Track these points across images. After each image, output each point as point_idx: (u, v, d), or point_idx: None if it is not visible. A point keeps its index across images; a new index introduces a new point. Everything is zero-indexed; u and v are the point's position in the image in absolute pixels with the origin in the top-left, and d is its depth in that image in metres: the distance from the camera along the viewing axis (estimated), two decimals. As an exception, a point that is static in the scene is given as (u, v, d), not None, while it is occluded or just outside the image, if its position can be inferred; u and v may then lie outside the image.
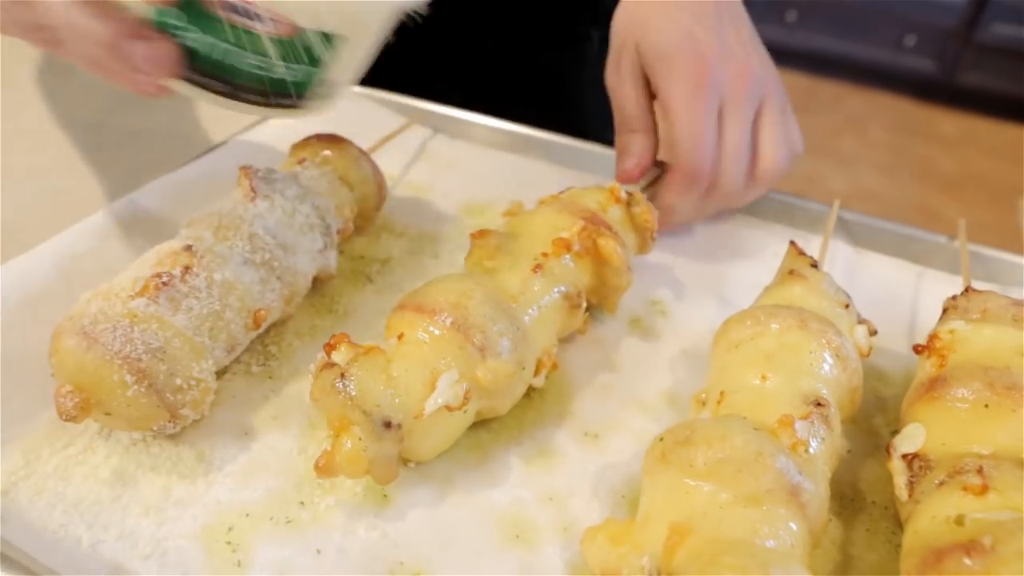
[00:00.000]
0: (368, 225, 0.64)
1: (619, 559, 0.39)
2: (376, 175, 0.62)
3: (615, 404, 0.52)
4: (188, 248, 0.49)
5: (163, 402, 0.44)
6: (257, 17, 0.41)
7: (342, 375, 0.42)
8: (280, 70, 0.44)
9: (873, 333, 0.53)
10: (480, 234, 0.51)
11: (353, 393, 0.42)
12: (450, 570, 0.42)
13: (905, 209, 2.52)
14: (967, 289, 0.52)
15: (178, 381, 0.44)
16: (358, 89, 0.79)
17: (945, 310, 0.52)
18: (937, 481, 0.42)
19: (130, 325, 0.44)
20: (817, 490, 0.40)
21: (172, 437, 0.47)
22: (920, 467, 0.43)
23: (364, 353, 0.44)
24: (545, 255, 0.50)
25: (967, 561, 0.36)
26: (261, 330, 0.52)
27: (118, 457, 0.46)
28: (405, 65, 0.89)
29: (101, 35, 0.41)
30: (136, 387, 0.43)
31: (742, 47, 0.62)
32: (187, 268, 0.48)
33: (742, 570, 0.34)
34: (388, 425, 0.42)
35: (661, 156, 0.65)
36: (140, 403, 0.43)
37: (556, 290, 0.50)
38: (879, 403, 0.54)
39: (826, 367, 0.46)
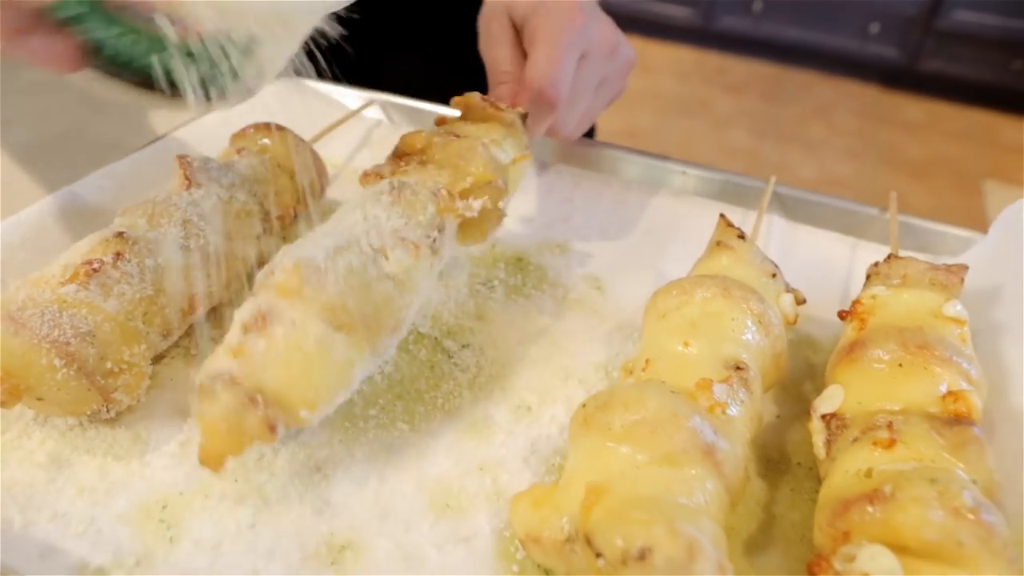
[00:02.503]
0: (312, 211, 0.65)
1: (541, 522, 0.40)
2: (316, 162, 0.63)
3: (549, 377, 0.53)
4: (120, 235, 0.49)
5: (94, 385, 0.44)
6: (163, 20, 0.40)
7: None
8: (193, 72, 0.42)
9: (801, 302, 0.54)
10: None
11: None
12: (381, 541, 0.43)
13: (873, 194, 2.55)
14: (890, 256, 0.54)
15: (109, 365, 0.45)
16: (308, 82, 0.80)
17: (868, 277, 0.54)
18: (852, 438, 0.43)
19: (59, 310, 0.44)
20: (733, 450, 0.41)
21: (108, 421, 0.48)
22: (837, 426, 0.45)
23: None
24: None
25: (870, 509, 0.37)
26: (199, 314, 0.52)
27: (54, 442, 0.46)
28: (389, 65, 0.89)
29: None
30: (65, 371, 0.43)
31: (605, 17, 0.66)
32: (119, 255, 0.48)
33: (648, 524, 0.35)
34: (215, 378, 0.40)
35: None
36: (70, 387, 0.44)
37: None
38: (809, 370, 0.56)
39: (748, 333, 0.47)
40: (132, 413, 0.48)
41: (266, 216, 0.57)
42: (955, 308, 0.49)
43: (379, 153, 0.75)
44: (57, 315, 0.44)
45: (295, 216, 0.63)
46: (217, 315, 0.56)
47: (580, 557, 0.38)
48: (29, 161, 0.71)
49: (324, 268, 0.43)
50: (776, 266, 0.53)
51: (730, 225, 0.55)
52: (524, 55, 0.63)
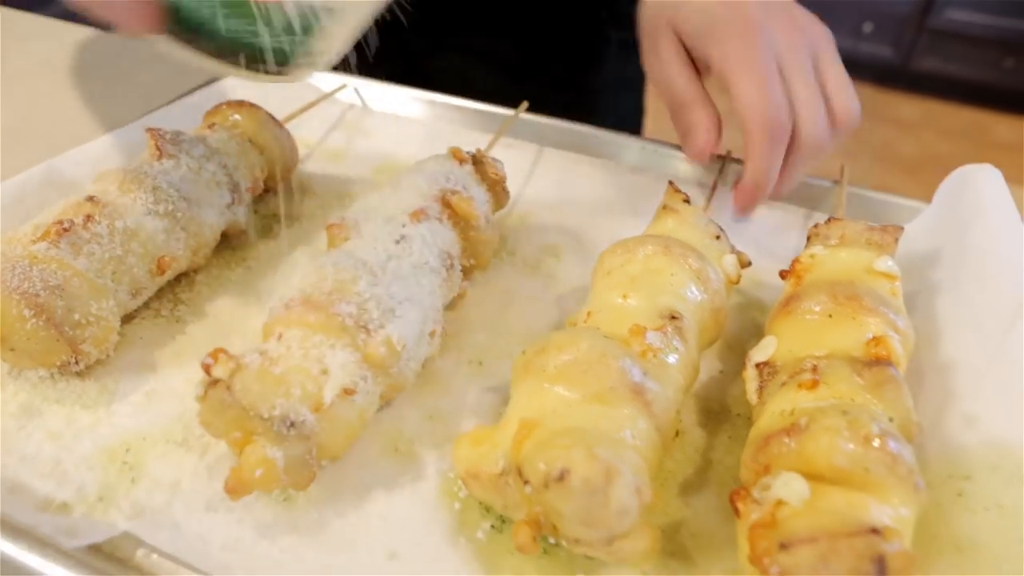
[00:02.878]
0: (282, 186, 0.67)
1: (479, 459, 0.42)
2: (285, 138, 0.65)
3: (504, 336, 0.55)
4: (91, 199, 0.52)
5: (62, 336, 0.47)
6: None
7: (228, 388, 0.40)
8: (264, 38, 0.42)
9: (746, 264, 0.56)
10: (332, 225, 0.52)
11: (244, 402, 0.40)
12: (329, 478, 0.45)
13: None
14: (830, 218, 0.56)
15: (77, 316, 0.47)
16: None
17: (809, 238, 0.56)
18: (780, 383, 0.45)
19: (29, 265, 0.47)
20: (664, 392, 0.43)
21: (78, 373, 0.50)
22: (769, 373, 0.47)
23: (244, 360, 0.42)
24: (404, 226, 0.51)
25: (787, 441, 0.39)
26: (168, 277, 0.55)
27: (26, 393, 0.49)
28: (421, 67, 0.92)
29: None
30: (34, 321, 0.46)
31: (781, 2, 0.62)
32: (89, 217, 0.51)
33: (568, 448, 0.37)
34: (291, 424, 0.40)
35: (732, 128, 0.64)
36: (40, 337, 0.46)
37: (426, 257, 0.51)
38: (756, 330, 0.58)
39: (686, 288, 0.49)
40: (102, 366, 0.51)
41: (235, 187, 0.60)
42: (886, 264, 0.51)
43: (352, 133, 0.77)
44: (28, 269, 0.46)
45: (265, 189, 0.66)
46: (189, 280, 0.59)
47: (513, 490, 0.40)
48: (17, 142, 0.74)
49: (408, 349, 0.46)
50: (721, 229, 0.56)
51: (677, 191, 0.57)
52: (698, 71, 0.63)
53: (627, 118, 1.10)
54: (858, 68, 3.14)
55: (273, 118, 0.65)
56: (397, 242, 0.50)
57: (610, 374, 0.42)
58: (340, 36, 0.44)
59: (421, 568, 0.41)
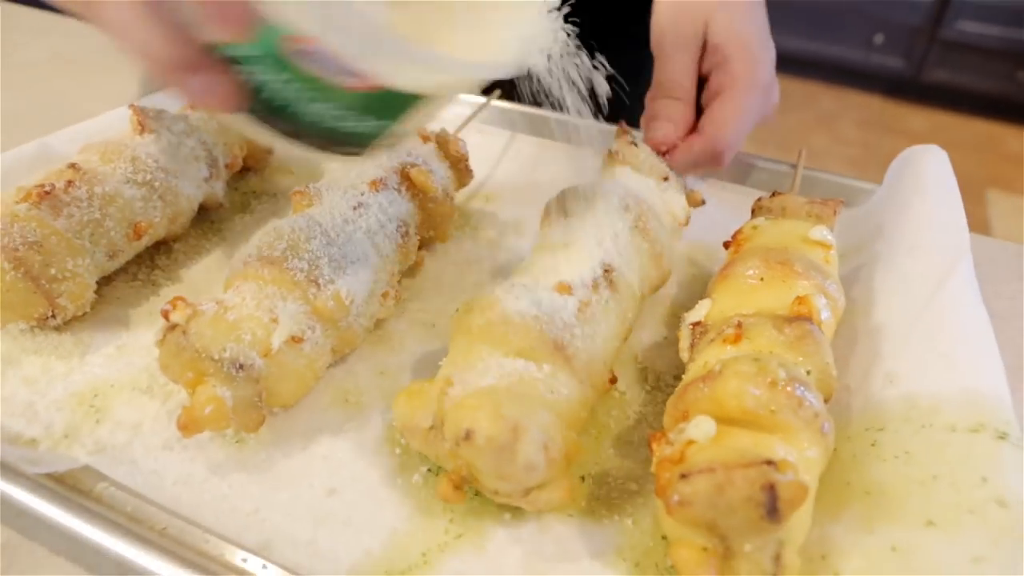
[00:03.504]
0: (262, 165, 0.71)
1: (413, 413, 0.44)
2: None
3: (459, 301, 0.57)
4: (72, 166, 0.55)
5: (39, 289, 0.50)
6: (342, 71, 0.38)
7: (184, 332, 0.43)
8: (350, 124, 0.41)
9: (699, 203, 0.59)
10: (298, 191, 0.55)
11: (197, 344, 0.43)
12: (280, 423, 0.48)
13: (874, 202, 2.57)
14: (774, 193, 0.58)
15: (53, 271, 0.51)
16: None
17: (753, 211, 0.58)
18: (709, 340, 0.47)
19: (10, 223, 0.50)
20: (589, 345, 0.46)
21: (57, 328, 0.54)
22: (700, 332, 0.49)
23: (201, 308, 0.45)
24: (363, 195, 0.54)
25: (702, 386, 0.42)
26: (145, 242, 0.58)
27: (5, 345, 0.52)
28: None
29: (161, 57, 0.38)
30: (13, 273, 0.49)
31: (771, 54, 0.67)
32: (70, 182, 0.54)
33: (475, 408, 0.39)
34: (240, 367, 0.43)
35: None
36: (18, 289, 0.50)
37: (381, 222, 0.53)
38: (705, 300, 0.60)
39: (622, 237, 0.52)
40: (79, 322, 0.54)
41: (213, 162, 0.63)
42: (821, 233, 0.53)
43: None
44: (8, 226, 0.50)
45: (246, 168, 0.69)
46: (167, 248, 0.62)
47: (440, 442, 0.43)
48: (17, 126, 0.78)
49: (357, 305, 0.49)
50: (670, 170, 0.58)
51: (625, 131, 0.59)
52: (700, 75, 0.64)
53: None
54: (869, 80, 3.17)
55: (253, 100, 0.69)
56: (354, 208, 0.53)
57: (529, 332, 0.44)
58: (424, 118, 0.43)
59: (356, 504, 0.43)
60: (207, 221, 0.65)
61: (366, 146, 0.43)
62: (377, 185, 0.55)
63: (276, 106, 0.40)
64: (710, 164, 0.62)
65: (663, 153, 0.61)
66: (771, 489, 0.35)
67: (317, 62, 0.37)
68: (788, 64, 3.19)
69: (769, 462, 0.36)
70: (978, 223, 2.54)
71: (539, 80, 0.44)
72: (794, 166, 0.72)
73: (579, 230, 0.51)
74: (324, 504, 0.44)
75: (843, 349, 0.53)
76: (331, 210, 0.53)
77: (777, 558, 0.37)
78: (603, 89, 0.48)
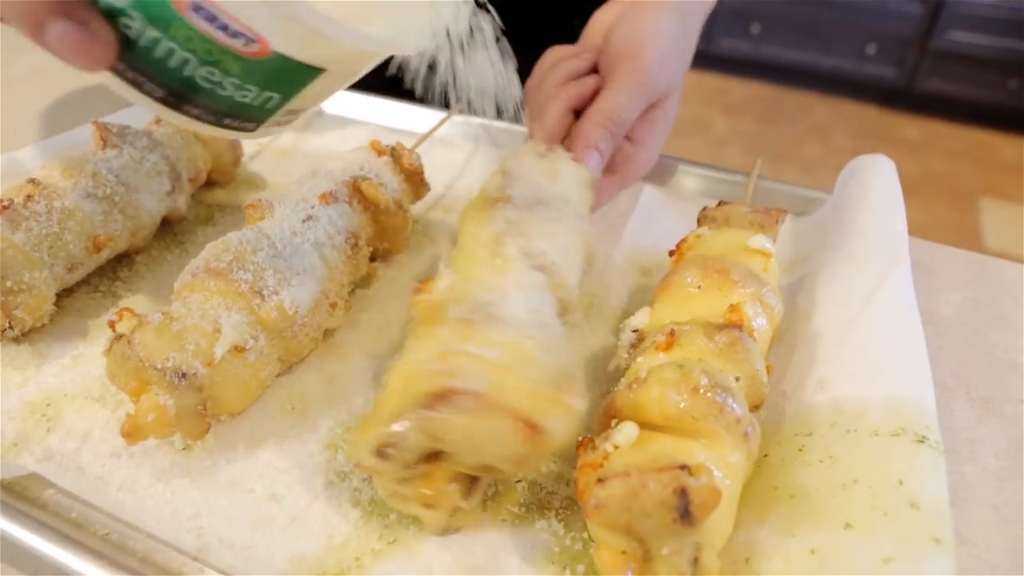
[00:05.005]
0: (227, 179, 0.72)
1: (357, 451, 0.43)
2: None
3: (406, 306, 0.59)
4: (32, 181, 0.57)
5: (-5, 301, 0.52)
6: (234, 33, 0.35)
7: (129, 342, 0.45)
8: (241, 95, 0.38)
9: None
10: (251, 204, 0.56)
11: (141, 354, 0.44)
12: (227, 431, 0.49)
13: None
14: (720, 202, 0.59)
15: (10, 284, 0.52)
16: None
17: (699, 220, 0.59)
18: (645, 347, 0.49)
19: (-32, 237, 0.52)
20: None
21: (15, 339, 0.55)
22: (638, 339, 0.50)
23: (147, 319, 0.46)
24: (313, 208, 0.55)
25: (627, 393, 0.43)
26: (105, 255, 0.60)
27: (-36, 355, 0.54)
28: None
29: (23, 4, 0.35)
30: (-32, 285, 0.51)
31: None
32: (29, 197, 0.56)
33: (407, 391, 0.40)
34: (183, 375, 0.44)
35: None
36: (-26, 300, 0.51)
37: (330, 235, 0.54)
38: (653, 309, 0.61)
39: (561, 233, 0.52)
40: (37, 333, 0.56)
41: (177, 176, 0.65)
42: (760, 241, 0.54)
43: (301, 134, 0.82)
44: (-35, 241, 0.51)
45: (211, 182, 0.71)
46: (129, 261, 0.64)
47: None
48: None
49: (301, 315, 0.50)
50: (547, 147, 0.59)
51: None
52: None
53: None
54: (862, 89, 3.18)
55: (218, 115, 0.70)
56: (303, 221, 0.54)
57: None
58: (324, 93, 0.40)
59: (296, 509, 0.45)
60: (170, 234, 0.66)
61: (260, 122, 0.40)
62: (327, 198, 0.56)
63: (159, 69, 0.36)
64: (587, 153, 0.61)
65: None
66: (683, 493, 0.36)
67: (207, 19, 0.34)
68: (781, 75, 3.24)
69: (683, 467, 0.37)
70: (971, 231, 2.55)
71: (444, 71, 0.44)
72: (748, 175, 0.73)
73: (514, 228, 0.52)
74: (264, 509, 0.45)
75: (783, 356, 0.54)
76: (281, 223, 0.54)
77: (695, 561, 0.38)
78: (514, 89, 0.49)
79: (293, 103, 0.40)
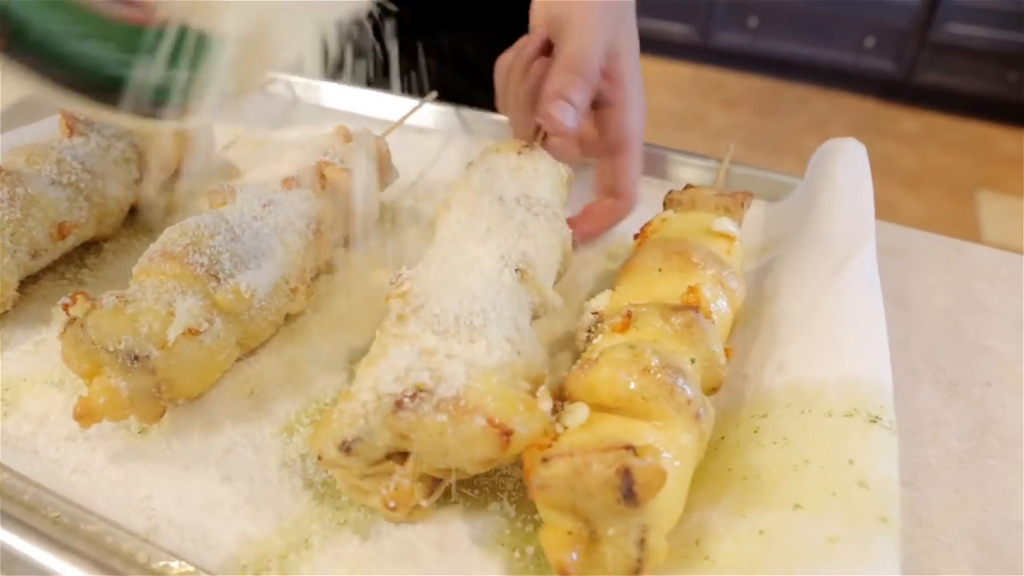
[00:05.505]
0: (200, 169, 0.72)
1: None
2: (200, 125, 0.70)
3: (374, 297, 0.58)
4: (-4, 167, 0.57)
5: (-44, 286, 0.52)
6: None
7: (82, 325, 0.45)
8: (130, 72, 0.34)
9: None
10: (212, 191, 0.56)
11: (94, 337, 0.44)
12: (184, 414, 0.49)
13: (865, 204, 2.57)
14: (687, 186, 0.59)
15: (-30, 269, 0.52)
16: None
17: (665, 204, 0.59)
18: (603, 328, 0.48)
19: (-72, 223, 0.52)
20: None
21: (-23, 325, 0.55)
22: (597, 321, 0.50)
23: (100, 302, 0.46)
24: (275, 193, 0.55)
25: (580, 374, 0.42)
26: (71, 242, 0.60)
27: (-73, 342, 0.54)
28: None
29: None
30: (-72, 271, 0.51)
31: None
32: (-8, 183, 0.56)
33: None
34: (135, 358, 0.44)
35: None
36: (-65, 286, 0.51)
37: (291, 219, 0.54)
38: (621, 295, 0.60)
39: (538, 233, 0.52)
40: (0, 319, 0.56)
41: (146, 165, 0.65)
42: (723, 224, 0.53)
43: (278, 124, 0.82)
44: (-74, 227, 0.51)
45: (179, 170, 0.71)
46: (97, 248, 0.64)
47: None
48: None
49: (259, 298, 0.50)
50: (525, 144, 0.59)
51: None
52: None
53: None
54: (860, 82, 3.17)
55: (188, 103, 0.70)
56: (264, 206, 0.54)
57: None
58: (242, 73, 0.37)
59: (249, 491, 0.44)
60: (140, 222, 0.66)
61: (160, 105, 0.36)
62: (290, 183, 0.56)
63: (36, 42, 0.32)
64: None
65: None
66: (627, 473, 0.36)
67: None
68: (780, 68, 3.23)
69: (628, 447, 0.37)
70: (970, 224, 2.54)
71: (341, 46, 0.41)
72: (720, 161, 0.73)
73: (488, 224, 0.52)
74: (217, 491, 0.44)
75: (748, 339, 0.53)
76: (241, 208, 0.54)
77: (642, 542, 0.38)
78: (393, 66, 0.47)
79: (194, 83, 0.36)
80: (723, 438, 0.46)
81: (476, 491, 0.45)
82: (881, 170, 2.65)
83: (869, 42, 3.03)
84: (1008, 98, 2.92)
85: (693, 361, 0.45)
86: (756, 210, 0.70)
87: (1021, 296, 0.62)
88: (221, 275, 0.49)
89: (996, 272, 0.65)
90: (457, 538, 0.43)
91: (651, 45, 3.35)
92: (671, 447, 0.40)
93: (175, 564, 0.41)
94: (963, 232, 2.45)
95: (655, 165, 0.76)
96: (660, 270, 0.50)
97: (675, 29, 3.26)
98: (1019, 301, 0.62)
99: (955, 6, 2.85)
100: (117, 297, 0.47)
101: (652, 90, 2.96)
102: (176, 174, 0.70)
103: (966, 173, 2.69)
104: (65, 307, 0.46)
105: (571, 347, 0.55)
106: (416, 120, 0.76)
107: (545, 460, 0.38)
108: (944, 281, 0.64)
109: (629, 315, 0.46)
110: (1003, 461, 0.49)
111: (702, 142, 2.91)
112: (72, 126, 0.62)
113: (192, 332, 0.47)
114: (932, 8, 2.88)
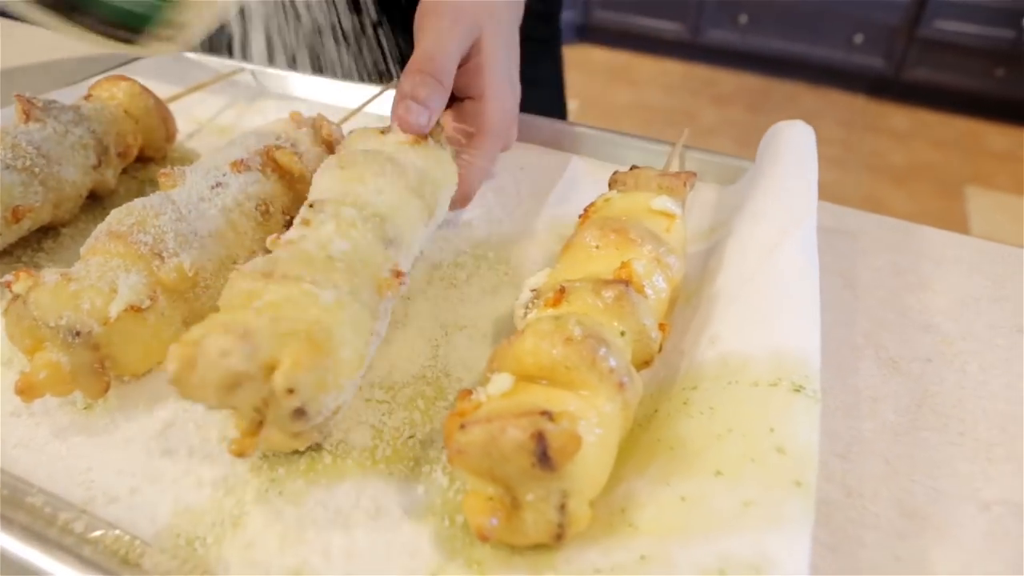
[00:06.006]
0: (160, 155, 0.73)
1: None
2: (159, 111, 0.71)
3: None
4: (-52, 152, 0.58)
5: (-95, 267, 0.52)
6: None
7: (24, 302, 0.45)
8: None
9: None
10: (164, 172, 0.57)
11: (35, 313, 0.45)
12: (131, 390, 0.50)
13: (854, 199, 2.57)
14: (632, 167, 0.60)
15: (-80, 251, 0.53)
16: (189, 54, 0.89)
17: (610, 184, 0.59)
18: (538, 304, 0.49)
19: None
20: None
21: (-70, 307, 0.56)
22: (533, 299, 0.50)
23: (43, 279, 0.46)
24: (224, 175, 0.56)
25: (507, 345, 0.43)
26: (26, 226, 0.60)
27: None
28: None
29: None
30: None
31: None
32: (-55, 167, 0.56)
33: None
34: (76, 334, 0.45)
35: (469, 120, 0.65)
36: None
37: (239, 201, 0.55)
38: (570, 276, 0.61)
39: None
40: (-48, 302, 0.56)
41: (104, 151, 0.66)
42: (662, 202, 0.54)
43: (243, 112, 0.83)
44: None
45: (146, 157, 0.72)
46: (55, 233, 0.64)
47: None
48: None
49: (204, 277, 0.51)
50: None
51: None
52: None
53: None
54: (850, 79, 3.18)
55: (148, 91, 0.71)
56: (212, 188, 0.55)
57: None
58: (203, 7, 0.41)
59: (188, 462, 0.45)
60: (99, 208, 0.67)
61: (138, 31, 0.40)
62: (239, 166, 0.57)
63: None
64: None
65: None
66: (541, 437, 0.36)
67: None
68: (770, 65, 3.24)
69: (544, 412, 0.37)
70: (958, 219, 2.54)
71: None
72: (673, 144, 0.74)
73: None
74: (157, 463, 0.45)
75: (688, 315, 0.54)
76: (190, 190, 0.55)
77: (562, 508, 0.39)
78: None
79: (174, 11, 0.39)
80: (656, 411, 0.47)
81: (412, 463, 0.46)
82: (871, 166, 2.67)
83: (858, 39, 3.04)
84: (996, 94, 2.93)
85: (623, 334, 0.45)
86: (710, 193, 0.71)
87: (966, 275, 0.63)
88: (165, 253, 0.50)
89: (943, 253, 0.66)
90: (390, 508, 0.43)
91: (642, 43, 3.36)
92: (592, 415, 0.40)
93: (111, 533, 0.41)
94: (951, 227, 2.46)
95: (614, 151, 0.77)
96: (598, 247, 0.51)
97: (666, 27, 3.27)
98: (964, 280, 0.62)
99: (943, 3, 2.86)
100: (60, 274, 0.48)
101: (644, 88, 2.98)
102: (139, 161, 0.71)
103: (954, 168, 2.70)
104: (8, 284, 0.47)
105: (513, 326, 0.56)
106: (379, 108, 0.77)
107: (463, 427, 0.38)
108: (892, 261, 0.65)
109: (562, 290, 0.47)
110: (936, 433, 0.49)
111: (693, 139, 2.91)
112: (28, 112, 0.63)
113: (135, 309, 0.48)
114: (921, 5, 2.89)
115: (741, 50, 3.23)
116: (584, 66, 3.26)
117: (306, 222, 0.49)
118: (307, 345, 0.40)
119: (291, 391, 0.39)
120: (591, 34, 3.37)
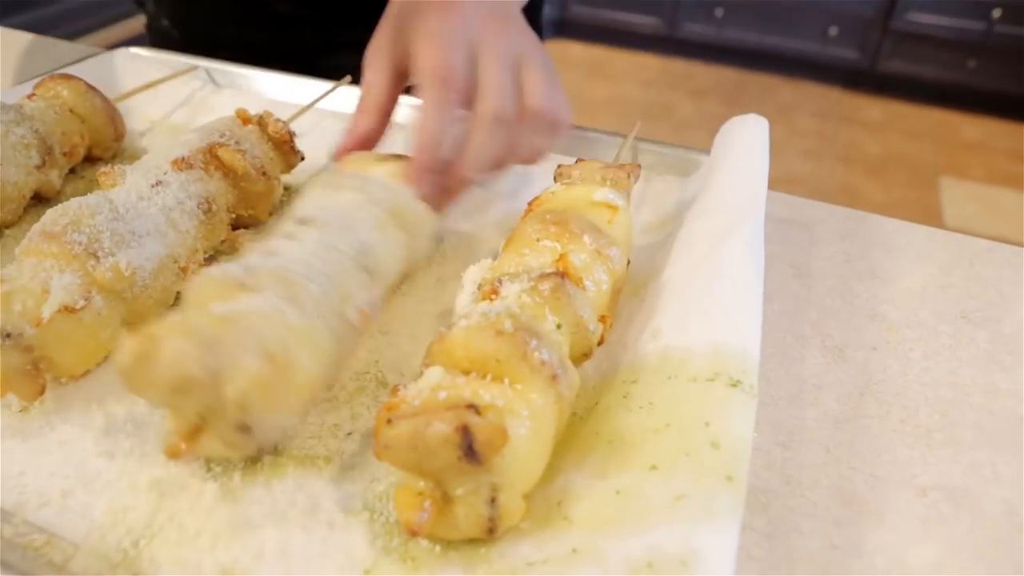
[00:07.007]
0: (109, 154, 0.72)
1: None
2: (107, 109, 0.70)
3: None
4: None
5: None
6: None
7: None
8: None
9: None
10: (103, 172, 0.56)
11: None
12: (68, 392, 0.49)
13: (829, 190, 2.59)
14: (578, 160, 0.59)
15: None
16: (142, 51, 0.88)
17: (555, 178, 0.59)
18: (477, 298, 0.49)
19: None
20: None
21: None
22: (474, 291, 0.50)
23: None
24: (165, 173, 0.56)
25: (440, 340, 0.43)
26: (-34, 227, 0.60)
27: None
28: (316, 65, 0.95)
29: None
30: None
31: (497, 2, 0.59)
32: None
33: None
34: (7, 335, 0.44)
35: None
36: None
37: (180, 199, 0.54)
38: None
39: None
40: None
41: (48, 151, 0.65)
42: (604, 195, 0.54)
43: (197, 110, 0.82)
44: None
45: (96, 158, 0.71)
46: (-1, 235, 0.64)
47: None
48: None
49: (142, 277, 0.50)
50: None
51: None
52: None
53: None
54: (825, 71, 3.20)
55: (95, 90, 0.70)
56: (152, 186, 0.54)
57: None
58: None
59: (125, 465, 0.45)
60: (45, 208, 0.66)
61: None
62: (180, 164, 0.56)
63: None
64: (444, 96, 0.54)
65: None
66: (466, 431, 0.36)
67: None
68: (745, 58, 3.25)
69: (470, 406, 0.37)
70: (931, 209, 2.56)
71: None
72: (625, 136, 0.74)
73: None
74: (92, 466, 0.45)
75: (635, 308, 0.54)
76: (129, 189, 0.54)
77: (492, 501, 0.38)
78: None
79: None
80: (596, 404, 0.47)
81: (352, 457, 0.45)
82: (846, 157, 2.69)
83: (833, 31, 3.06)
84: (969, 85, 2.96)
85: (560, 326, 0.45)
86: (666, 185, 0.71)
87: (915, 264, 0.63)
88: (100, 253, 0.49)
89: (893, 241, 0.66)
90: (326, 505, 0.43)
91: (619, 37, 3.37)
92: (524, 408, 0.40)
93: (40, 537, 0.41)
94: (925, 217, 2.48)
95: (572, 144, 0.76)
96: (538, 240, 0.51)
97: (643, 21, 3.28)
98: (913, 268, 0.63)
99: (916, -6, 2.88)
100: (-8, 277, 0.47)
101: (621, 82, 2.99)
102: (88, 161, 0.70)
103: (928, 159, 2.72)
104: (-64, 287, 0.46)
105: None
106: (331, 104, 0.76)
107: (389, 421, 0.38)
108: (843, 250, 0.65)
109: (500, 282, 0.47)
110: (877, 421, 0.50)
111: (670, 132, 2.93)
112: (-32, 113, 0.62)
113: (69, 309, 0.47)
114: (893, -4, 2.92)
115: (717, 44, 3.24)
116: (561, 61, 3.26)
117: (290, 236, 0.48)
118: (266, 363, 0.39)
119: (241, 406, 0.39)
120: (568, 29, 3.38)
